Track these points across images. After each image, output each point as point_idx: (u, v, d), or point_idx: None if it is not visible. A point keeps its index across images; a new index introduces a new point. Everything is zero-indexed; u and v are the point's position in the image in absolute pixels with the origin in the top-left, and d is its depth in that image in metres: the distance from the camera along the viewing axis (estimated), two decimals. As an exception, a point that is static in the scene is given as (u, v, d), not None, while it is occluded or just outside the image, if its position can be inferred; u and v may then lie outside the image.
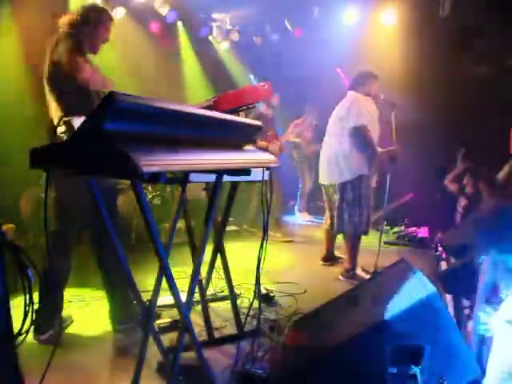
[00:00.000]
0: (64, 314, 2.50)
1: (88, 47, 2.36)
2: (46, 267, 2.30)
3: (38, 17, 3.92)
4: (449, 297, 2.67)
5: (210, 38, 6.61)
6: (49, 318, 2.32)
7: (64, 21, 2.33)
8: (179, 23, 6.04)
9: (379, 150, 3.68)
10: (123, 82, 4.15)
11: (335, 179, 3.54)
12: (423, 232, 5.22)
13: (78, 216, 2.32)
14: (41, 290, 2.30)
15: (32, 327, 1.62)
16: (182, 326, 1.66)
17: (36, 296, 1.87)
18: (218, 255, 2.34)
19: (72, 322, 2.54)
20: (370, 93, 3.57)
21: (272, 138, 5.06)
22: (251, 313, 2.47)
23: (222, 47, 6.73)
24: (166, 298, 2.72)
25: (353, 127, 3.41)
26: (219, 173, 1.73)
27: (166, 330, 2.41)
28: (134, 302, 2.50)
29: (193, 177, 1.87)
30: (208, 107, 1.88)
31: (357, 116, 3.40)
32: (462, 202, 5.02)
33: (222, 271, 2.40)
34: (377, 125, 3.56)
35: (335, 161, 3.53)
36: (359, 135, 3.41)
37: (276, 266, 3.81)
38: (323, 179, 3.72)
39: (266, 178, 1.77)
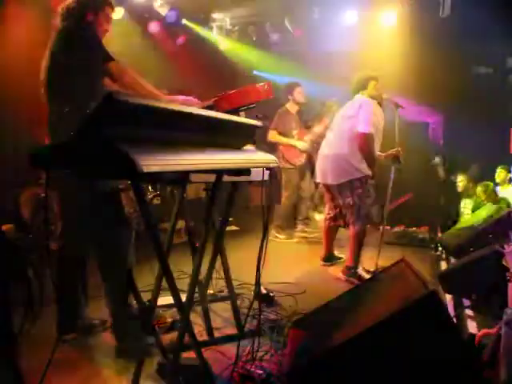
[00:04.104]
0: (96, 318, 2.50)
1: None
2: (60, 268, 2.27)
3: (41, 15, 3.93)
4: (449, 297, 2.68)
5: (210, 37, 6.62)
6: (70, 319, 2.31)
7: (62, 10, 2.20)
8: (183, 22, 6.02)
9: (382, 154, 3.67)
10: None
11: (341, 179, 3.50)
12: (423, 232, 5.23)
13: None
14: (60, 291, 2.27)
15: (33, 327, 1.62)
16: (181, 326, 1.66)
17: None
18: (218, 255, 2.34)
19: (104, 327, 2.46)
20: (374, 94, 3.57)
21: (301, 135, 5.00)
22: (251, 313, 2.48)
23: (223, 47, 6.73)
24: (166, 298, 2.73)
25: (360, 132, 3.39)
26: (219, 173, 1.73)
27: (166, 330, 2.41)
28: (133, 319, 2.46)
29: (193, 177, 1.87)
30: (208, 107, 1.88)
31: (365, 123, 3.38)
32: (469, 203, 5.04)
33: (222, 271, 2.40)
34: (381, 128, 3.55)
35: (339, 161, 3.50)
36: (363, 142, 3.41)
37: (276, 266, 3.81)
38: (326, 179, 3.67)
39: (266, 178, 1.77)
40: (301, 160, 4.95)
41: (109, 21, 2.31)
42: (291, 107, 5.01)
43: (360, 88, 3.61)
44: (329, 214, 3.88)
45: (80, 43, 2.10)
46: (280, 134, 4.95)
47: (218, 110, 1.82)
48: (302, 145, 4.92)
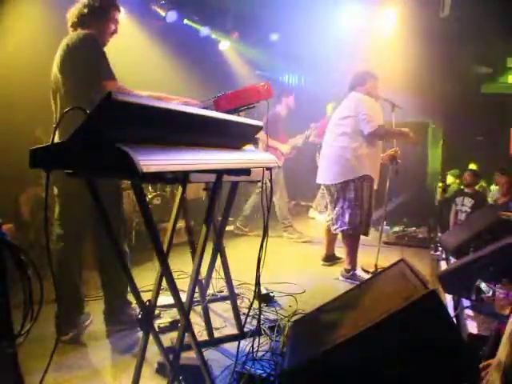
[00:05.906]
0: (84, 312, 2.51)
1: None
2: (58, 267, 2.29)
3: (41, 14, 3.93)
4: (449, 297, 2.67)
5: (210, 37, 6.62)
6: (68, 318, 2.33)
7: (72, 15, 2.26)
8: (185, 22, 6.03)
9: (380, 155, 3.67)
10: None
11: (337, 179, 3.51)
12: (423, 232, 5.23)
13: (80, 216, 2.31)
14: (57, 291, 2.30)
15: (32, 327, 1.62)
16: (181, 325, 1.66)
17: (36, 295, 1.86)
18: (218, 255, 2.34)
19: (91, 320, 2.49)
20: (371, 92, 3.54)
21: (283, 139, 5.09)
22: (251, 313, 2.48)
23: (222, 47, 6.73)
24: (166, 298, 2.73)
25: (369, 133, 3.36)
26: (219, 173, 1.73)
27: (165, 329, 2.41)
28: (130, 304, 2.52)
29: (193, 177, 1.87)
30: (208, 107, 1.88)
31: (369, 122, 3.35)
32: (468, 201, 5.02)
33: (221, 271, 2.40)
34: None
35: (338, 161, 3.50)
36: (378, 138, 3.41)
37: (276, 266, 3.81)
38: (325, 179, 3.68)
39: (267, 178, 1.77)
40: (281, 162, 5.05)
41: (117, 24, 2.37)
42: (282, 111, 5.11)
43: (357, 84, 3.57)
44: (330, 215, 3.88)
45: (84, 56, 2.14)
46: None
47: (217, 110, 1.82)
48: (285, 148, 5.08)
